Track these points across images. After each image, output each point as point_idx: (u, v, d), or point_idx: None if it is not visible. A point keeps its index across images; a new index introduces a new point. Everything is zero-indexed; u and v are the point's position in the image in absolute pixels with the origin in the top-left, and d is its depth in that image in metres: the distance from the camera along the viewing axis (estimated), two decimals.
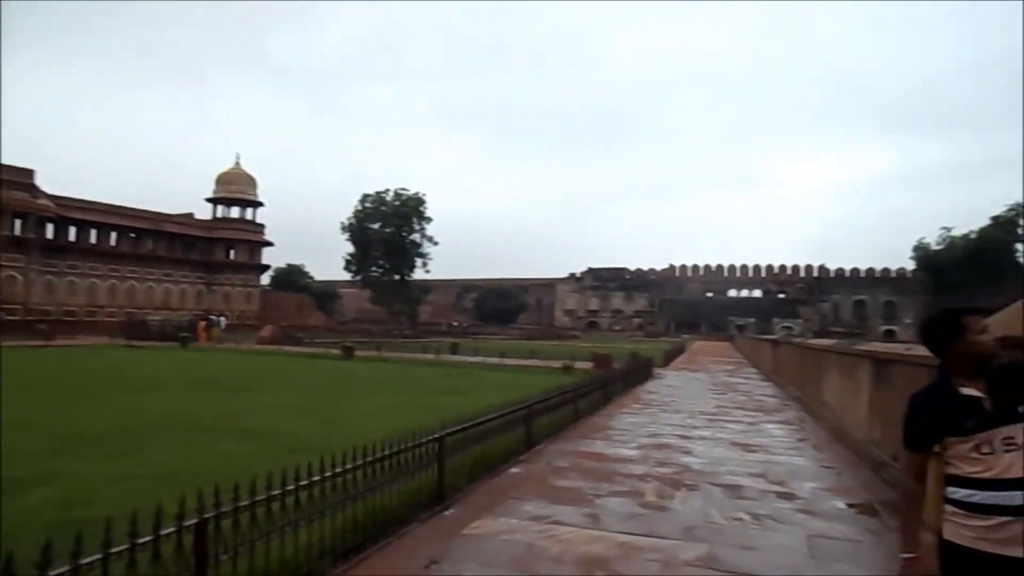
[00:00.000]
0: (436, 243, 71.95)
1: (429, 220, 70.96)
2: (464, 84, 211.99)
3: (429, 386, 16.49)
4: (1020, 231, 52.15)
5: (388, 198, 69.66)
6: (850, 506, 6.02)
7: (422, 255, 71.56)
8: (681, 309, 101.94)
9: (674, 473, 7.11)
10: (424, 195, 70.46)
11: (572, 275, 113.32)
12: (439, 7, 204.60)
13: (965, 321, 2.25)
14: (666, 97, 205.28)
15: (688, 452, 8.40)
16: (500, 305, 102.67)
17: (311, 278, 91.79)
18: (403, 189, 70.22)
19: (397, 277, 70.98)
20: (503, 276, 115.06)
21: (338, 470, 4.36)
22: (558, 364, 22.63)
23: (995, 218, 53.61)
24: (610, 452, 8.25)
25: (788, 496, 6.29)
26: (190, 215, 66.53)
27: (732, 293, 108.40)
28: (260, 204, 68.81)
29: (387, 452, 4.97)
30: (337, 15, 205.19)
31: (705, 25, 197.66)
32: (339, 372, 20.52)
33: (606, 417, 11.47)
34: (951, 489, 2.20)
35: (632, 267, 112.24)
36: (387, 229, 69.09)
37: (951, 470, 2.20)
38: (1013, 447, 2.09)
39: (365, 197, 69.83)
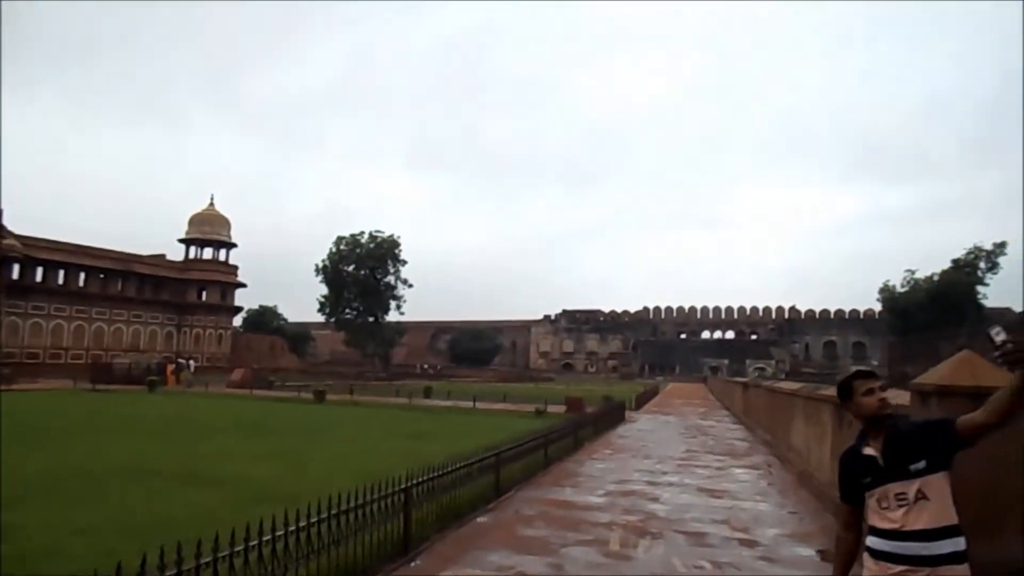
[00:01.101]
0: (411, 285, 71.99)
1: (404, 262, 71.09)
2: (438, 125, 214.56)
3: (400, 430, 16.40)
4: (980, 273, 53.63)
5: (363, 240, 69.75)
6: (815, 552, 6.14)
7: (396, 297, 71.48)
8: (655, 350, 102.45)
9: (639, 521, 7.19)
10: (399, 237, 70.73)
11: (547, 317, 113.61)
12: (414, 48, 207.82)
13: (853, 384, 2.52)
14: (639, 138, 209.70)
15: (655, 499, 8.49)
16: (475, 347, 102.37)
17: (284, 320, 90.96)
18: (378, 231, 70.43)
19: (371, 319, 70.67)
20: (478, 318, 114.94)
21: (303, 524, 4.39)
22: (531, 408, 22.64)
23: (955, 261, 55.07)
24: (578, 500, 8.31)
25: (750, 543, 6.40)
26: (162, 256, 65.89)
27: (705, 334, 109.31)
28: (233, 245, 68.44)
29: (353, 504, 5.01)
30: (310, 56, 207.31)
31: (677, 68, 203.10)
32: (309, 417, 20.30)
33: (576, 463, 11.52)
34: (868, 538, 2.41)
35: (606, 309, 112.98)
36: (361, 271, 69.04)
37: (869, 521, 2.40)
38: (905, 502, 2.29)
39: (340, 239, 69.88)
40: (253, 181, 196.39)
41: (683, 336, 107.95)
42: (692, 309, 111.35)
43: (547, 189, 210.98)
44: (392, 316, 72.87)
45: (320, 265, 69.18)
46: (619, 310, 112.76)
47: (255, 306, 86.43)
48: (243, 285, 70.15)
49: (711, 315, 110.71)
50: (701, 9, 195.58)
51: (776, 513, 7.92)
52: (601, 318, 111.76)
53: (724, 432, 18.36)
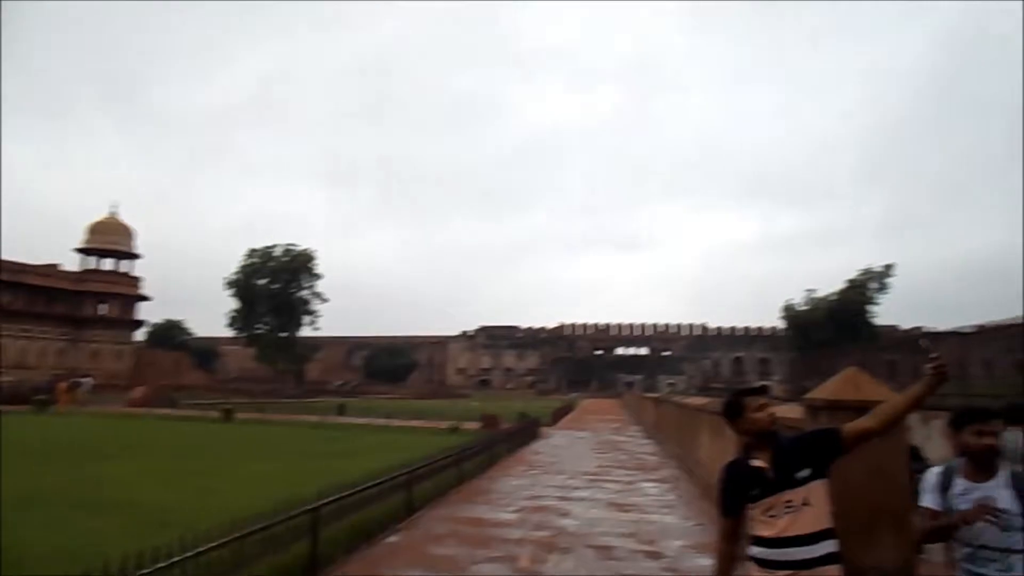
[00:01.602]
0: (326, 300, 70.65)
1: (319, 277, 69.74)
2: (356, 139, 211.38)
3: (312, 450, 16.00)
4: (871, 293, 57.26)
5: (276, 253, 68.03)
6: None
7: (311, 312, 69.96)
8: (572, 367, 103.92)
9: (550, 536, 7.29)
10: (314, 251, 69.39)
11: (464, 333, 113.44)
12: (334, 62, 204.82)
13: (744, 401, 2.64)
14: (555, 158, 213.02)
15: (566, 514, 8.62)
16: (391, 363, 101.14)
17: (191, 334, 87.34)
18: (292, 245, 68.91)
19: (284, 334, 68.79)
20: (395, 333, 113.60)
21: (202, 548, 4.25)
22: (446, 425, 22.53)
23: (850, 281, 58.65)
24: (490, 517, 8.34)
25: (655, 555, 6.59)
26: (54, 266, 62.09)
27: (620, 351, 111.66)
28: (136, 256, 65.36)
29: (258, 526, 4.88)
30: (226, 66, 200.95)
31: (595, 96, 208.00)
32: (216, 436, 19.53)
33: (490, 480, 11.56)
34: (751, 547, 2.53)
35: (524, 325, 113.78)
36: (274, 285, 67.24)
37: (751, 531, 2.53)
38: (792, 509, 2.45)
39: (252, 252, 67.91)
40: (163, 191, 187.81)
41: (599, 352, 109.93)
42: (607, 326, 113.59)
43: (468, 206, 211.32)
44: (306, 331, 71.30)
45: (231, 278, 66.98)
46: (536, 326, 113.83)
47: (160, 320, 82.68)
48: (146, 298, 67.06)
49: (626, 332, 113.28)
50: (620, 41, 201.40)
51: (681, 525, 8.18)
52: (518, 334, 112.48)
53: (635, 447, 18.80)
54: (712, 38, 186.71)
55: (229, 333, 71.27)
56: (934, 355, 2.44)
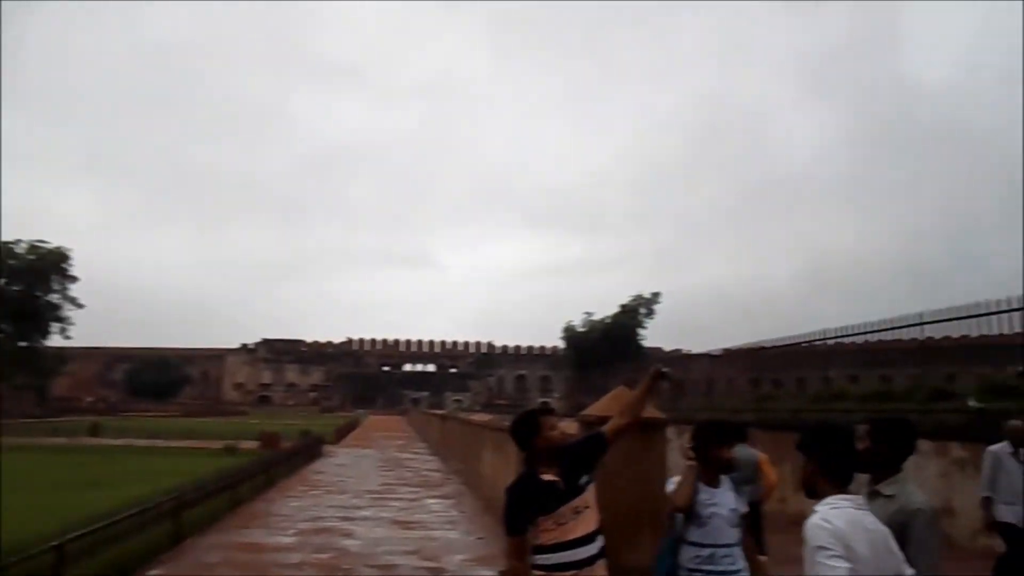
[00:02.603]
0: (81, 306, 62.57)
1: (74, 279, 61.67)
2: (133, 135, 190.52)
3: (56, 479, 14.05)
4: (641, 318, 63.05)
5: (19, 250, 59.17)
6: (496, 573, 6.58)
7: (61, 319, 61.59)
8: (357, 383, 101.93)
9: (331, 558, 7.10)
10: (69, 250, 61.29)
11: (244, 346, 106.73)
12: (98, 49, 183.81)
13: (541, 420, 2.82)
14: (347, 173, 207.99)
15: (349, 535, 8.44)
16: (158, 378, 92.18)
17: None
18: (42, 241, 60.32)
19: (24, 344, 59.84)
20: (163, 345, 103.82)
21: None
22: (221, 445, 21.01)
23: (623, 306, 64.09)
24: (267, 541, 7.94)
25: (438, 571, 6.69)
26: None
27: (408, 367, 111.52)
28: None
29: None
30: None
31: (385, 107, 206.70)
32: None
33: (268, 502, 11.00)
34: (536, 557, 2.68)
35: (309, 339, 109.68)
36: (14, 286, 58.36)
37: (536, 542, 2.67)
38: (579, 513, 2.68)
39: None
40: None
41: (386, 369, 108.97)
42: (396, 342, 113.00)
43: (252, 215, 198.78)
44: (55, 340, 62.60)
45: None
46: (322, 341, 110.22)
47: None
48: None
49: (413, 348, 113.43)
50: (419, 63, 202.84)
51: (464, 540, 8.36)
52: (303, 348, 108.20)
53: (420, 464, 18.88)
54: (510, 71, 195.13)
55: None
56: (664, 368, 3.09)
